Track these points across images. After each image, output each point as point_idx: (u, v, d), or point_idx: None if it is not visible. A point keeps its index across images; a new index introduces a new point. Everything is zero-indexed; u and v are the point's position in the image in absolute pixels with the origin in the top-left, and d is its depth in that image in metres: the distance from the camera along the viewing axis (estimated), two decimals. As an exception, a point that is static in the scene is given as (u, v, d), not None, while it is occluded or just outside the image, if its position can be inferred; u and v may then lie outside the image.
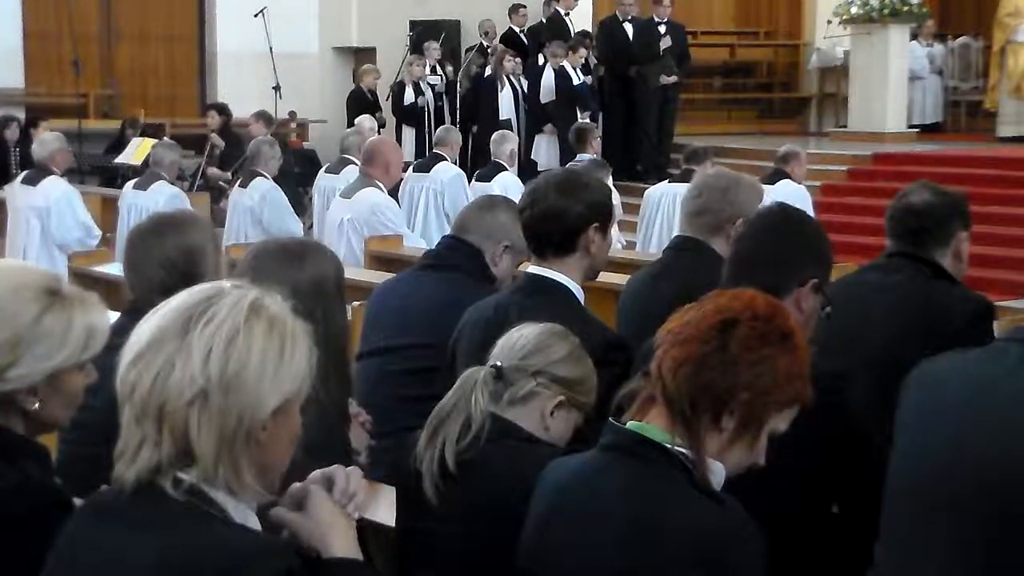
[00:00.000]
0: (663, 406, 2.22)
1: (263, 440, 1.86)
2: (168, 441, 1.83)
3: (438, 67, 14.84)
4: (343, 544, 1.98)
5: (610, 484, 2.23)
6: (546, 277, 3.42)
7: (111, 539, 1.86)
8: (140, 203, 8.98)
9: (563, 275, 3.42)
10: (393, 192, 8.45)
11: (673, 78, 13.19)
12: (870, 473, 2.62)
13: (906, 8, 13.41)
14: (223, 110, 13.13)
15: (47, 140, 9.23)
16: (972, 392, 2.38)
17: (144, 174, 9.47)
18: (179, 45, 17.55)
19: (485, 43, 14.68)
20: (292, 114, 15.39)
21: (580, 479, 2.30)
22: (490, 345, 2.85)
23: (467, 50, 15.23)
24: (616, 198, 9.07)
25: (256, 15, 15.48)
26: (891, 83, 13.44)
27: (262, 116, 11.91)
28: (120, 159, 12.26)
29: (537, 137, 13.39)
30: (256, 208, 9.06)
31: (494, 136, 10.24)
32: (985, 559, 2.29)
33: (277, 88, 14.98)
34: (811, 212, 9.02)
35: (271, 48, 15.20)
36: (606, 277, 6.69)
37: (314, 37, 17.85)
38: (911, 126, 14.10)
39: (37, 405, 2.22)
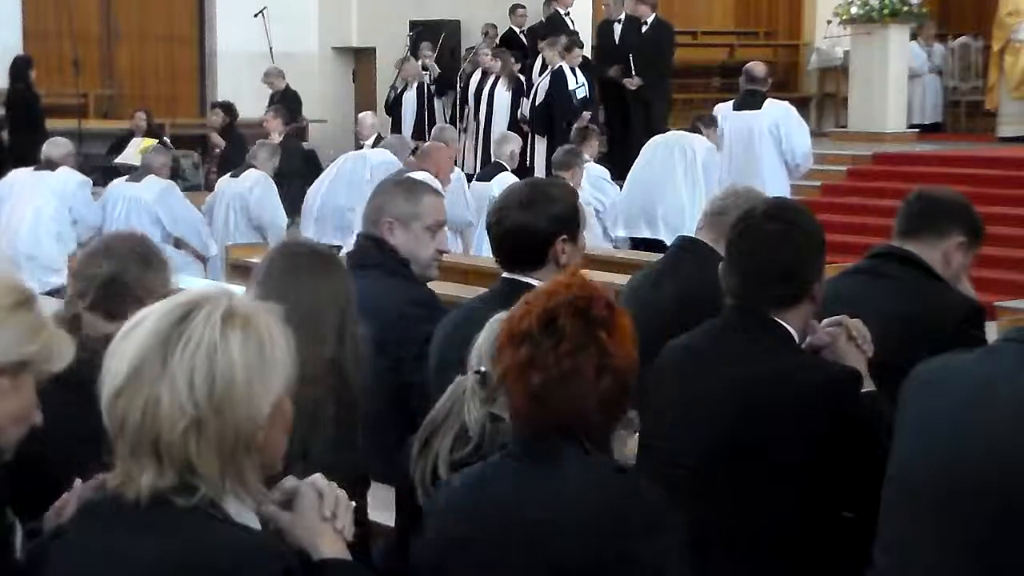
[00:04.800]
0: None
1: (261, 442, 1.87)
2: (169, 468, 1.83)
3: (435, 67, 14.86)
4: (332, 546, 1.98)
5: (522, 492, 2.13)
6: (522, 281, 3.40)
7: (112, 539, 1.86)
8: (131, 193, 9.20)
9: (538, 281, 3.41)
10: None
11: (636, 80, 12.99)
12: (881, 476, 2.61)
13: (906, 8, 13.39)
14: (228, 109, 13.13)
15: (59, 143, 9.48)
16: (971, 393, 2.38)
17: (138, 170, 9.66)
18: (179, 45, 17.55)
19: (484, 44, 14.68)
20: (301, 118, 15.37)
21: (487, 486, 2.19)
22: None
23: (466, 50, 15.24)
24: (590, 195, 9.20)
25: (256, 15, 15.49)
26: (891, 83, 13.42)
27: (279, 112, 11.97)
28: (120, 159, 12.28)
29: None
30: (246, 193, 9.23)
31: (495, 136, 10.29)
32: (984, 559, 2.29)
33: (277, 88, 14.98)
34: (804, 123, 10.06)
35: (271, 48, 15.20)
36: (606, 277, 6.71)
37: (314, 37, 17.84)
38: (911, 126, 14.09)
39: None
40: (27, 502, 2.19)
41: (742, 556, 2.86)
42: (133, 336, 1.87)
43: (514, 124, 13.21)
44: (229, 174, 9.73)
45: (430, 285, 4.03)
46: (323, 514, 1.99)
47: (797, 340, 3.00)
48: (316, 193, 9.92)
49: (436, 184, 8.36)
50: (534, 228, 3.38)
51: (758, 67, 10.07)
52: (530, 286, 3.32)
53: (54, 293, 8.58)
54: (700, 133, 9.62)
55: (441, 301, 3.97)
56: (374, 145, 10.90)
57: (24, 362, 2.01)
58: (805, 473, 2.83)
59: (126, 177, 9.62)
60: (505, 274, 3.48)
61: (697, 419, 2.92)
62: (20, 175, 9.31)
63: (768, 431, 2.83)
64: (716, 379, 2.92)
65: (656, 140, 9.90)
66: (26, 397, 2.04)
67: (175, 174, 9.92)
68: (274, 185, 9.47)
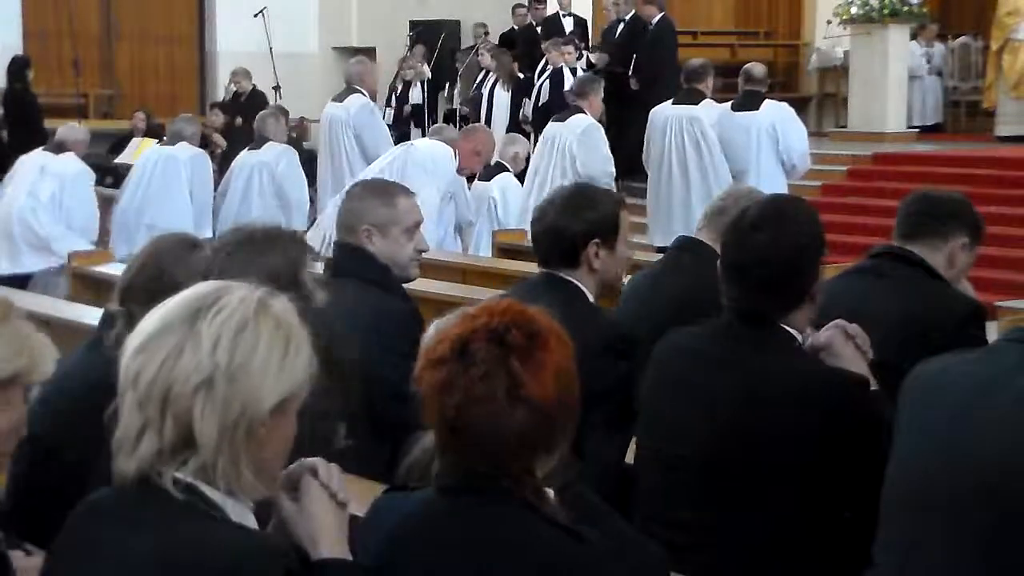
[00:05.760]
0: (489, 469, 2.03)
1: (262, 437, 1.87)
2: (171, 427, 1.84)
3: (426, 68, 14.90)
4: (332, 545, 1.99)
5: (460, 530, 2.04)
6: (557, 275, 3.46)
7: (110, 539, 1.87)
8: (171, 152, 9.45)
9: (573, 279, 3.46)
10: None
11: (634, 81, 12.91)
12: (880, 478, 2.60)
13: (906, 8, 13.39)
14: (227, 109, 13.16)
15: (76, 128, 9.67)
16: (971, 393, 2.38)
17: (168, 138, 9.87)
18: (179, 45, 17.56)
19: (480, 44, 14.70)
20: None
21: (425, 526, 2.08)
22: None
23: (461, 51, 15.25)
24: None
25: (256, 15, 15.48)
26: (891, 83, 13.41)
27: (280, 111, 12.01)
28: (120, 159, 12.30)
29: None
30: (272, 163, 9.35)
31: (503, 137, 10.30)
32: (984, 560, 2.29)
33: (277, 88, 14.98)
34: (802, 124, 9.76)
35: (271, 48, 15.20)
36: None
37: (314, 37, 17.86)
38: (911, 126, 14.10)
39: None
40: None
41: (743, 556, 2.85)
42: (162, 309, 1.92)
43: (515, 124, 13.21)
44: (246, 148, 9.82)
45: (442, 285, 3.99)
46: (321, 481, 2.01)
47: (800, 341, 2.99)
48: (326, 168, 9.95)
49: (448, 155, 8.27)
50: (568, 230, 3.43)
51: (757, 68, 9.82)
52: (566, 281, 3.42)
53: (50, 273, 8.67)
54: (701, 96, 9.46)
55: (415, 308, 3.90)
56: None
57: (14, 375, 2.03)
58: (807, 474, 2.82)
59: (157, 142, 9.88)
60: (543, 269, 3.54)
61: (699, 422, 2.91)
62: (31, 155, 9.43)
63: (771, 432, 2.82)
64: (719, 382, 2.91)
65: (662, 128, 9.67)
66: (18, 409, 2.07)
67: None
68: (297, 157, 9.62)
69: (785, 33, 18.06)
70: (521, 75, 13.67)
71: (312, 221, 10.14)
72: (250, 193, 9.49)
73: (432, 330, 2.46)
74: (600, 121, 9.73)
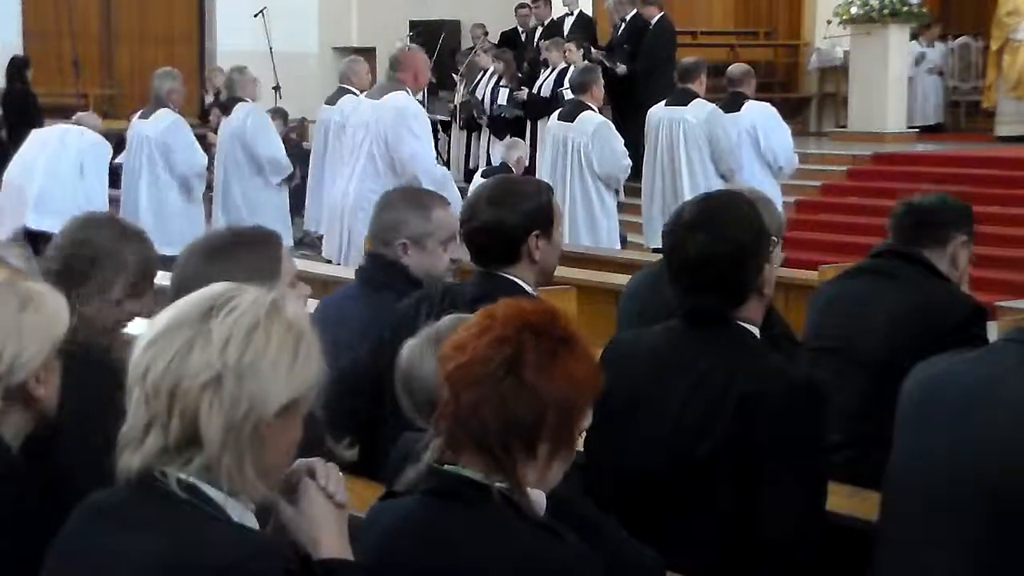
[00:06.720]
0: (473, 450, 2.06)
1: (267, 437, 1.87)
2: (177, 423, 1.84)
3: None
4: (333, 545, 1.99)
5: (444, 532, 2.07)
6: (496, 274, 3.37)
7: (110, 538, 1.87)
8: (143, 131, 9.47)
9: (514, 276, 3.37)
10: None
11: (623, 68, 12.85)
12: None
13: (906, 8, 13.41)
14: (227, 109, 13.14)
15: (91, 115, 9.81)
16: (972, 392, 2.38)
17: (147, 105, 9.84)
18: (179, 45, 17.58)
19: (479, 44, 14.71)
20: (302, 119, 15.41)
21: (411, 528, 2.11)
22: None
23: (463, 51, 15.26)
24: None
25: (256, 15, 15.48)
26: (891, 83, 13.42)
27: (278, 113, 12.03)
28: (120, 159, 12.31)
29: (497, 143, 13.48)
30: (240, 127, 9.43)
31: (506, 141, 10.29)
32: (984, 559, 2.29)
33: (277, 88, 14.98)
34: (784, 123, 9.67)
35: (271, 48, 15.21)
36: (606, 277, 6.70)
37: (314, 37, 17.87)
38: (911, 127, 14.10)
39: (42, 391, 2.28)
40: None
41: (735, 563, 2.79)
42: (174, 307, 1.94)
43: (518, 124, 13.22)
44: (224, 115, 9.91)
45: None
46: (318, 482, 2.01)
47: (756, 333, 2.93)
48: (320, 172, 9.95)
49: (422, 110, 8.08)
50: (505, 225, 3.32)
51: (735, 68, 9.74)
52: (506, 279, 3.32)
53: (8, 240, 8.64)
54: (692, 96, 9.37)
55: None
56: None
57: (55, 347, 2.28)
58: (777, 472, 2.75)
59: (139, 113, 9.80)
60: (480, 269, 3.43)
61: (669, 431, 2.80)
62: (45, 129, 9.54)
63: (741, 434, 2.73)
64: (683, 388, 2.80)
65: (655, 129, 9.64)
66: (56, 378, 2.32)
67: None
68: (266, 116, 9.65)
69: (785, 33, 18.06)
70: (521, 75, 13.68)
71: (295, 199, 10.20)
72: (231, 163, 9.53)
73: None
74: (602, 111, 9.71)
